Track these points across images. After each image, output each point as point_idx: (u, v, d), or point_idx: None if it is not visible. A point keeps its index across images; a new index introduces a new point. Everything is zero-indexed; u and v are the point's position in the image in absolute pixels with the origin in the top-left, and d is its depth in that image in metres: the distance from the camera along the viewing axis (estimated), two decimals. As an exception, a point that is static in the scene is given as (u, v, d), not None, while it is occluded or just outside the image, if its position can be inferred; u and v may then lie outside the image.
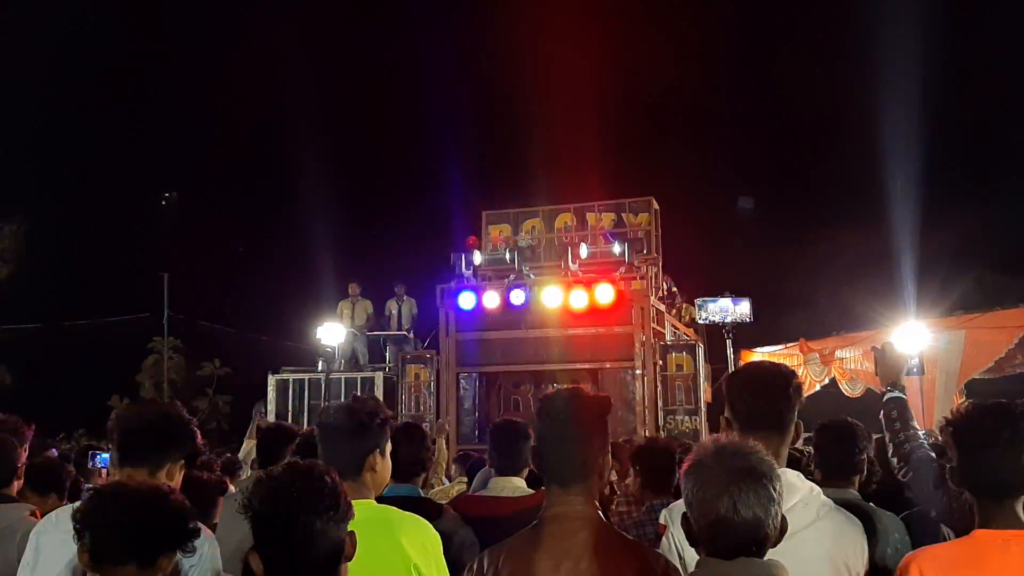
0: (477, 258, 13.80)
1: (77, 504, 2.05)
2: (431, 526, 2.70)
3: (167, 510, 2.06)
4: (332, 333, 14.56)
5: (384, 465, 2.76)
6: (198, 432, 2.77)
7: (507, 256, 13.78)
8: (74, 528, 2.02)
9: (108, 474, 5.01)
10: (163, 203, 26.94)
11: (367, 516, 2.60)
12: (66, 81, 30.13)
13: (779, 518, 1.94)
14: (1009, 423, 2.23)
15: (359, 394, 2.98)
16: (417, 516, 2.72)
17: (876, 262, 19.53)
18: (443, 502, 3.78)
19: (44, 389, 23.88)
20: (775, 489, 1.93)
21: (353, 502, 2.57)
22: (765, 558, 1.95)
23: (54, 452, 6.09)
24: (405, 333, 15.41)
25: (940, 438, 2.52)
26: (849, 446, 3.76)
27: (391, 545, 2.56)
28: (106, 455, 5.32)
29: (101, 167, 31.09)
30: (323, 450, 2.72)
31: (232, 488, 5.75)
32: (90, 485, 4.63)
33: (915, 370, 10.13)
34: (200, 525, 2.66)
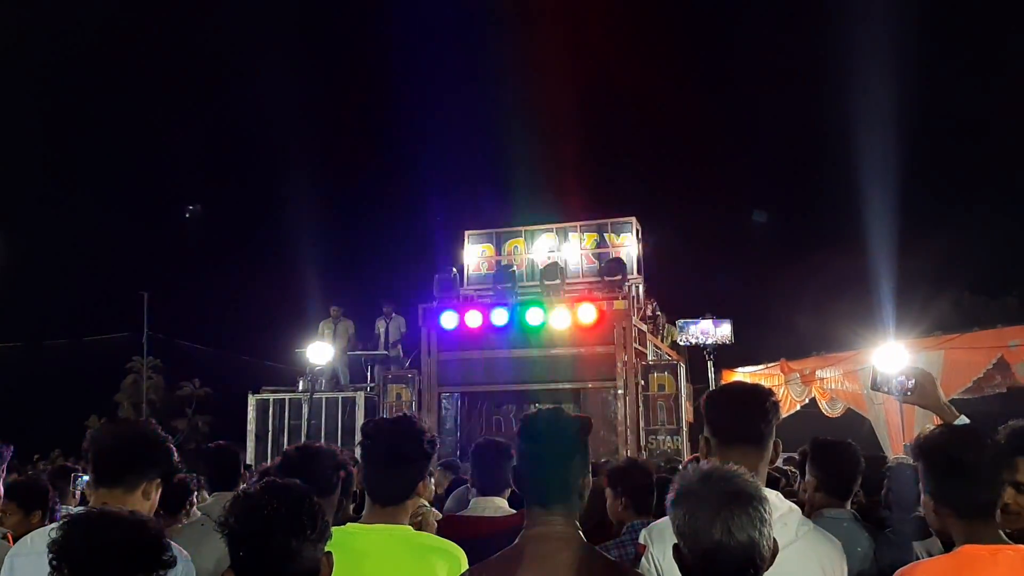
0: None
1: (52, 530, 2.00)
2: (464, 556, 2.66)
3: (146, 539, 2.03)
4: (320, 353, 14.42)
5: (426, 486, 2.75)
6: (174, 450, 2.75)
7: (489, 276, 13.80)
8: (50, 561, 1.98)
9: (83, 495, 4.95)
10: (187, 216, 26.64)
11: (409, 541, 2.61)
12: (45, 98, 30.01)
13: (771, 539, 1.94)
14: (973, 448, 2.29)
15: (406, 414, 2.91)
16: (454, 544, 2.69)
17: (855, 283, 19.68)
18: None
19: (21, 408, 23.62)
20: (765, 510, 1.93)
21: (390, 526, 2.58)
22: None
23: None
24: (387, 352, 15.36)
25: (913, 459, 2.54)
26: (852, 466, 3.78)
27: (437, 571, 2.55)
28: (87, 477, 5.27)
29: (81, 186, 30.96)
30: (371, 476, 2.66)
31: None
32: (66, 507, 4.57)
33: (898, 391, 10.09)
34: (178, 547, 2.64)
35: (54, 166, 31.02)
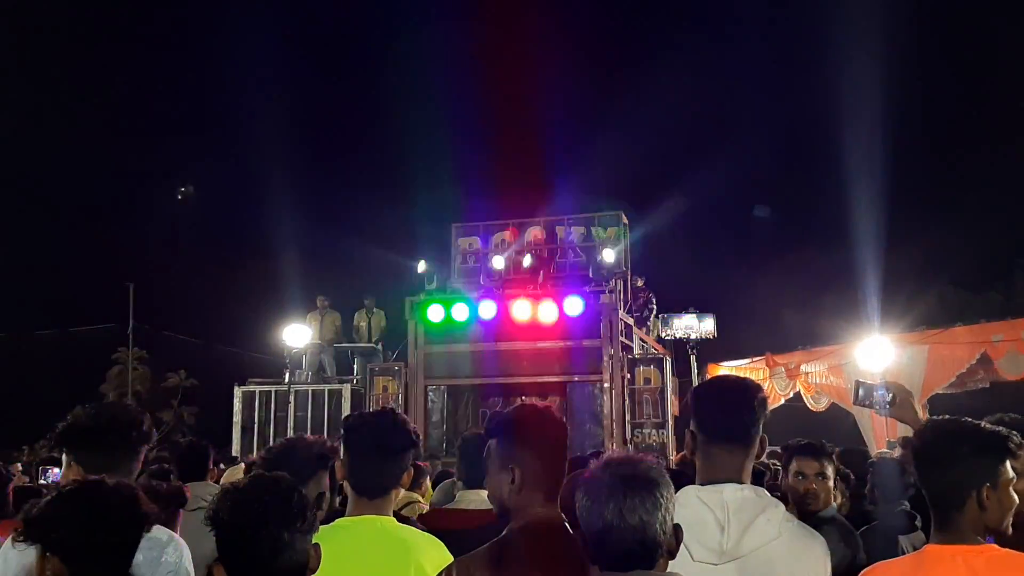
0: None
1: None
2: (447, 549, 2.65)
3: (119, 501, 2.03)
4: (297, 335, 14.38)
5: (408, 478, 2.77)
6: (152, 429, 2.78)
7: (476, 269, 13.78)
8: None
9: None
10: (179, 197, 26.43)
11: (390, 535, 2.61)
12: (27, 86, 29.80)
13: (669, 525, 1.94)
14: (952, 440, 2.27)
15: (387, 407, 2.94)
16: (435, 538, 2.70)
17: (841, 278, 19.78)
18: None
19: (6, 399, 23.50)
20: (662, 495, 1.93)
21: (374, 518, 2.59)
22: (667, 570, 1.95)
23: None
24: (373, 346, 15.34)
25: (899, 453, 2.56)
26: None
27: (411, 566, 2.55)
28: (59, 470, 5.31)
29: (65, 176, 30.76)
30: (355, 468, 2.66)
31: None
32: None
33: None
34: (168, 531, 2.67)
35: (38, 155, 30.82)
